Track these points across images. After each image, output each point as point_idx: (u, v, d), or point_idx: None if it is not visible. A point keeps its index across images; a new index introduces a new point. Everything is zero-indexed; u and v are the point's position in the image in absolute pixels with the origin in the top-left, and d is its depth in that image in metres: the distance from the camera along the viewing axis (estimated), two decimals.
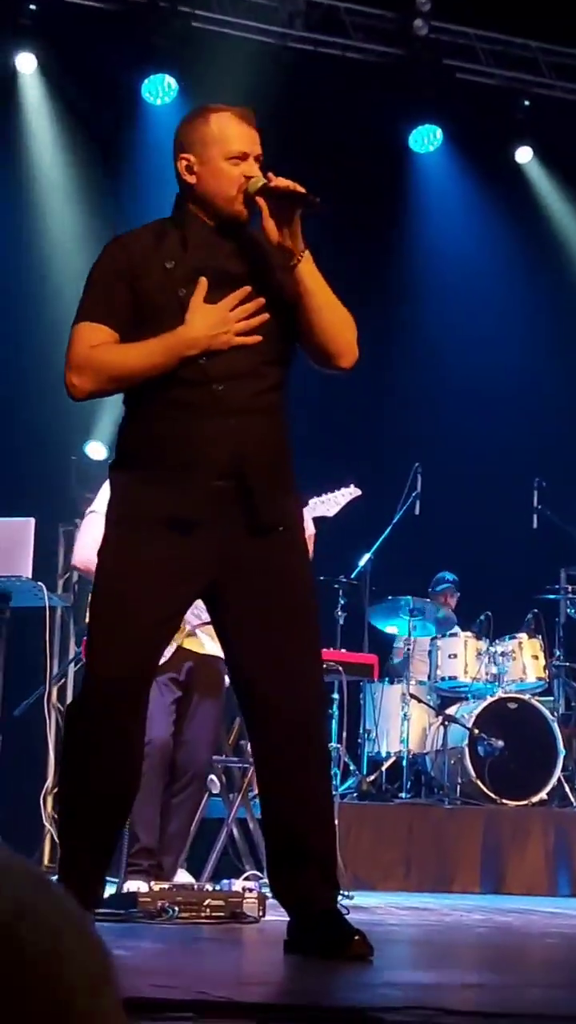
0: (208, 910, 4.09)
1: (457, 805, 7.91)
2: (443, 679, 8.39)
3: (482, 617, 8.48)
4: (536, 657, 8.34)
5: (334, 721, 7.05)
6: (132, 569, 3.20)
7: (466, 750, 7.95)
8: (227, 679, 4.92)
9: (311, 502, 5.62)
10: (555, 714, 8.23)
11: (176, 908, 4.02)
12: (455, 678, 8.36)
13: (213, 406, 3.20)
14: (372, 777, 8.21)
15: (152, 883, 4.42)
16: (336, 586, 8.27)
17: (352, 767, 8.04)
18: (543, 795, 7.94)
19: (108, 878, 3.71)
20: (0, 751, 5.89)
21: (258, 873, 5.55)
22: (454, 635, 8.47)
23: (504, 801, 7.86)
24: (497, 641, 8.37)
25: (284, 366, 3.34)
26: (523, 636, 8.35)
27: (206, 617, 4.07)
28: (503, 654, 8.32)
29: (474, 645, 8.36)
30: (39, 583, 5.77)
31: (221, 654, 3.76)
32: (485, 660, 8.32)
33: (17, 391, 8.34)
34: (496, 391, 10.03)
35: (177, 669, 5.11)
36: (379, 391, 9.56)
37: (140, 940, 3.50)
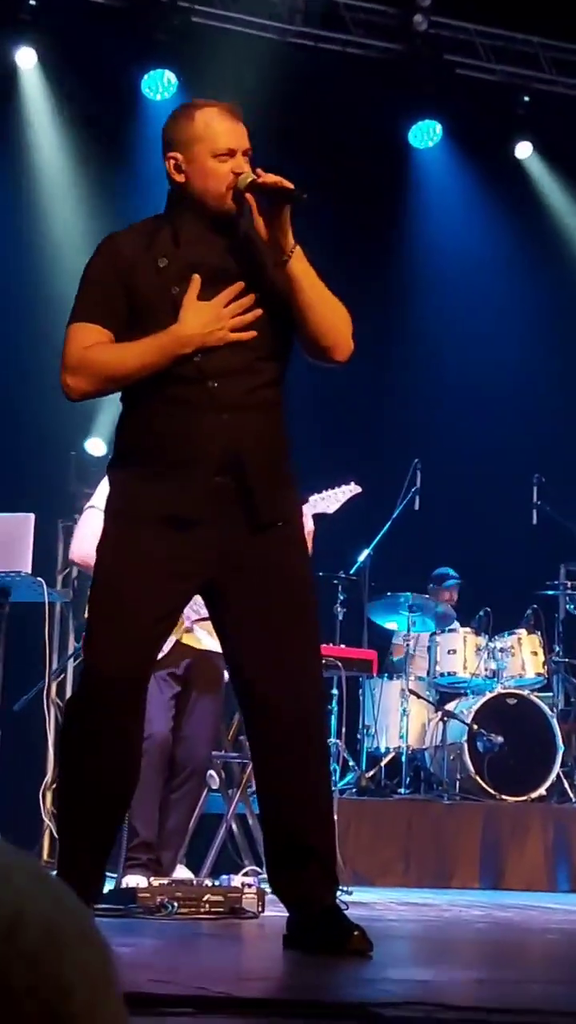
0: (207, 906, 4.09)
1: (456, 801, 7.91)
2: (442, 675, 8.39)
3: (481, 613, 8.48)
4: (535, 653, 8.34)
5: (333, 717, 7.06)
6: (130, 565, 3.20)
7: (465, 746, 7.95)
8: (226, 675, 4.93)
9: (311, 499, 5.62)
10: (554, 710, 8.23)
11: (175, 904, 4.02)
12: (454, 674, 8.36)
13: (209, 403, 3.20)
14: (371, 773, 8.21)
15: (151, 878, 4.43)
16: (335, 582, 8.28)
17: (351, 763, 8.04)
18: (542, 791, 7.94)
19: (107, 873, 3.72)
20: None
21: (257, 869, 5.56)
22: (453, 631, 8.47)
23: (503, 797, 7.86)
24: (496, 637, 8.37)
25: (280, 361, 3.34)
26: (522, 632, 8.35)
27: (204, 612, 4.07)
28: (502, 650, 8.32)
29: (473, 641, 8.36)
30: (39, 578, 5.77)
31: (219, 649, 3.77)
32: (484, 656, 8.32)
33: (17, 387, 8.34)
34: (496, 387, 10.02)
35: (175, 664, 5.12)
36: (379, 387, 9.56)
37: (139, 936, 3.50)
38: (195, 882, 4.56)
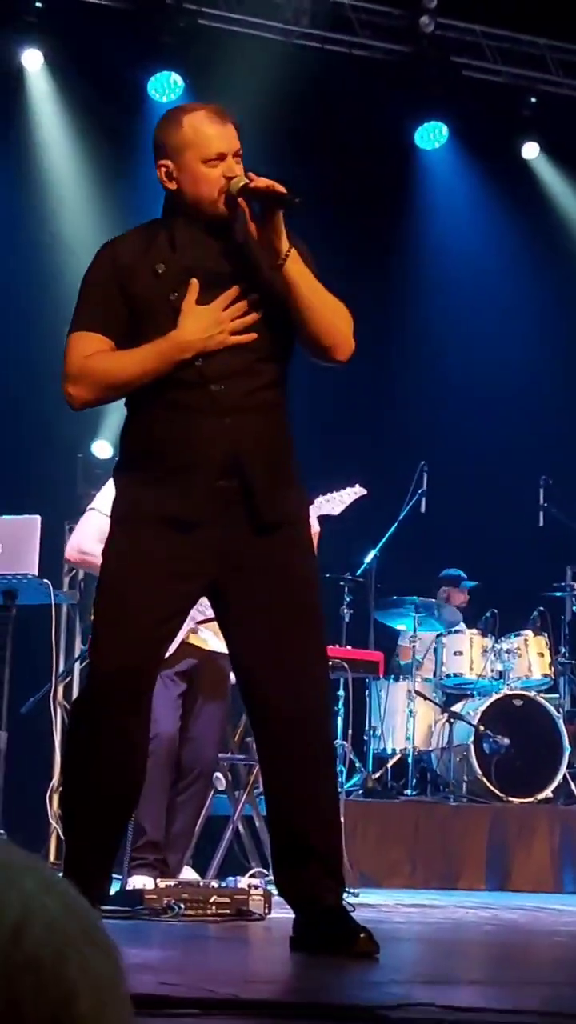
0: (214, 907, 4.09)
1: (463, 802, 7.91)
2: (448, 676, 8.39)
3: (488, 614, 8.48)
4: (542, 654, 8.34)
5: (339, 718, 7.06)
6: (132, 567, 3.21)
7: (472, 747, 7.94)
8: (232, 676, 4.93)
9: (316, 501, 5.61)
10: (560, 711, 8.23)
11: (182, 905, 4.02)
12: (461, 675, 8.36)
13: (210, 407, 3.20)
14: (378, 774, 8.21)
15: (158, 880, 4.43)
16: (342, 583, 8.27)
17: (357, 764, 8.04)
18: (548, 792, 7.94)
19: (113, 874, 3.72)
20: (7, 748, 5.90)
21: (263, 870, 5.55)
22: (460, 632, 8.47)
23: (510, 798, 7.86)
24: (503, 638, 8.37)
25: (280, 362, 3.33)
26: (529, 633, 8.35)
27: (210, 613, 4.07)
28: (509, 651, 8.32)
29: (480, 642, 8.36)
30: (45, 581, 5.77)
31: (225, 650, 3.77)
32: (491, 657, 8.32)
33: (24, 389, 8.35)
34: (503, 388, 10.02)
35: (181, 664, 5.11)
36: (385, 388, 9.56)
37: (146, 937, 3.51)
38: (201, 884, 4.55)
